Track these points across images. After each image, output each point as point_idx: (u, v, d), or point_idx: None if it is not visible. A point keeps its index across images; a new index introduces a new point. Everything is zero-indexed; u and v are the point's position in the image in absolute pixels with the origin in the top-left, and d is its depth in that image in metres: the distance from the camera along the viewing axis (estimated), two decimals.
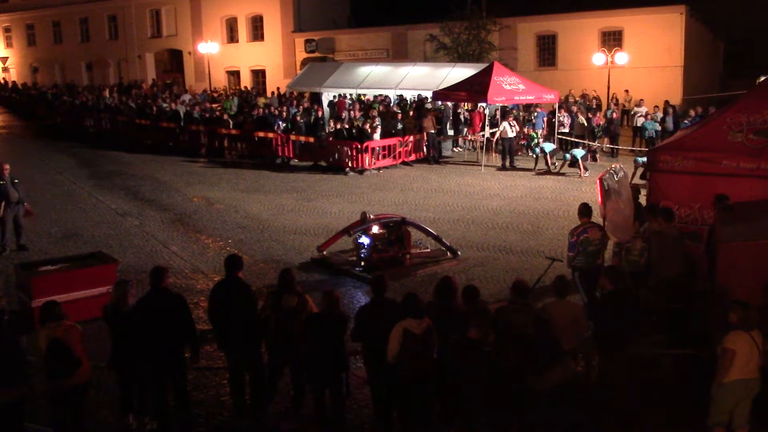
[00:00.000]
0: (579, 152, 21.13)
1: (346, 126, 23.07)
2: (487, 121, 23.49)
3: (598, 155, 23.57)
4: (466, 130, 26.15)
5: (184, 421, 7.51)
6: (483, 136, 23.19)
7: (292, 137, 23.41)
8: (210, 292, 7.90)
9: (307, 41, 43.07)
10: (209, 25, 46.11)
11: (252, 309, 7.64)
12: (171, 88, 42.35)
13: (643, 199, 11.18)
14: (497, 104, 24.07)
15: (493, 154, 23.14)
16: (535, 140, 22.53)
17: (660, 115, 24.52)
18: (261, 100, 32.78)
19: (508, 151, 22.38)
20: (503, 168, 22.28)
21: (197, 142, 26.46)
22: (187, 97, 34.69)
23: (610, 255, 10.27)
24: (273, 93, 36.81)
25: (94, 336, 8.14)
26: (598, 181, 9.96)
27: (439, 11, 35.09)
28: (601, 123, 24.49)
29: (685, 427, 7.29)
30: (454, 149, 26.09)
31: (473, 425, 6.63)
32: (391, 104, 27.89)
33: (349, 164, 21.74)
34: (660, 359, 8.69)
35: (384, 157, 22.34)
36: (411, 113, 25.46)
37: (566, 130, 24.02)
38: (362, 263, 12.33)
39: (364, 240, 12.36)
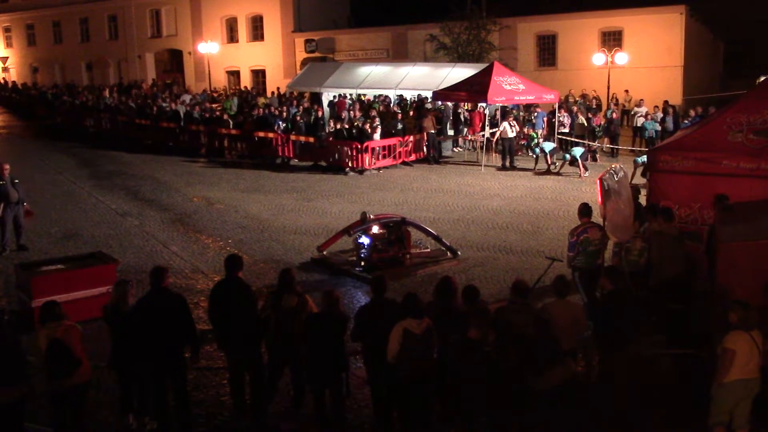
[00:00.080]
0: (578, 150, 21.14)
1: (346, 126, 23.07)
2: (487, 121, 23.49)
3: (598, 155, 23.59)
4: (466, 130, 26.16)
5: (184, 421, 7.51)
6: (483, 136, 23.19)
7: (292, 137, 23.41)
8: (210, 292, 7.90)
9: (307, 41, 43.07)
10: (209, 25, 46.11)
11: (252, 309, 7.63)
12: (171, 88, 42.36)
13: (643, 199, 11.19)
14: (497, 104, 24.07)
15: (493, 154, 23.14)
16: (535, 140, 22.53)
17: (660, 115, 24.52)
18: (261, 100, 32.78)
19: (508, 151, 22.38)
20: (503, 168, 22.28)
21: (197, 142, 26.46)
22: (187, 97, 34.70)
23: (610, 255, 10.27)
24: (273, 93, 36.82)
25: (94, 336, 8.14)
26: (598, 181, 9.95)
27: (439, 11, 35.10)
28: (601, 123, 24.50)
29: (685, 427, 7.29)
30: (454, 149, 26.09)
31: (473, 425, 6.63)
32: (391, 104, 27.90)
33: (349, 164, 21.74)
34: (660, 359, 8.70)
35: (384, 157, 22.34)
36: (411, 113, 25.48)
37: (566, 130, 24.01)
38: (362, 263, 12.33)
39: (364, 240, 12.36)
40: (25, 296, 10.09)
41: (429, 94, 26.23)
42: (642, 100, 26.99)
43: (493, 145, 23.24)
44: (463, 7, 35.49)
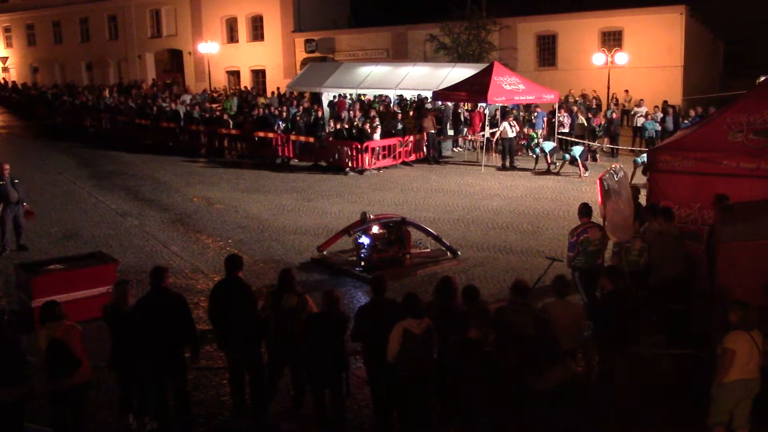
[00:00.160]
0: (578, 149, 21.14)
1: (346, 126, 23.08)
2: (487, 121, 23.49)
3: (598, 155, 23.59)
4: (466, 130, 26.16)
5: (184, 421, 7.51)
6: (483, 136, 23.19)
7: (292, 137, 23.41)
8: (210, 292, 7.90)
9: (307, 41, 43.07)
10: (209, 25, 46.11)
11: (252, 309, 7.63)
12: (171, 88, 42.36)
13: (643, 199, 11.19)
14: (497, 104, 24.07)
15: (493, 154, 23.14)
16: (535, 140, 22.53)
17: (660, 115, 24.52)
18: (261, 100, 32.78)
19: (508, 151, 22.38)
20: (503, 168, 22.28)
21: (197, 142, 26.46)
22: (187, 97, 34.70)
23: (610, 255, 10.27)
24: (273, 93, 36.82)
25: (94, 336, 8.14)
26: (598, 181, 9.95)
27: (439, 11, 35.09)
28: (601, 123, 24.49)
29: (685, 427, 7.29)
30: (454, 149, 26.09)
31: (473, 425, 6.63)
32: (391, 104, 27.90)
33: (349, 164, 21.74)
34: (660, 359, 8.70)
35: (384, 157, 22.34)
36: (411, 113, 25.48)
37: (566, 130, 24.01)
38: (362, 263, 12.33)
39: (364, 240, 12.36)
40: (25, 296, 10.09)
41: (429, 94, 26.22)
42: (642, 100, 26.99)
43: (493, 145, 23.24)
44: (463, 7, 35.49)
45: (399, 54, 39.45)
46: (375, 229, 12.52)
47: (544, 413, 6.73)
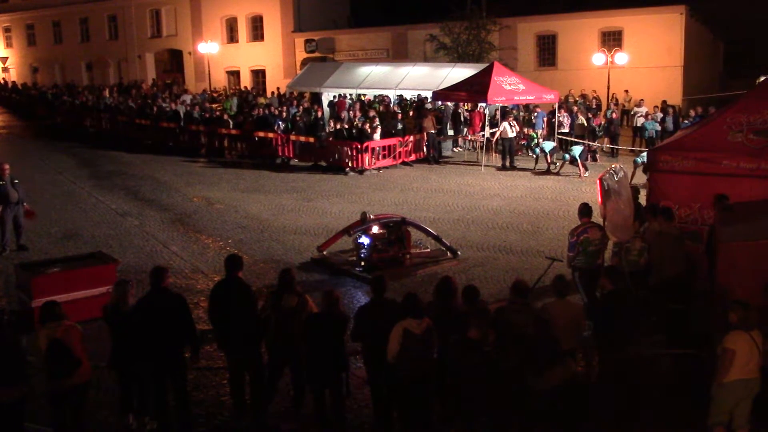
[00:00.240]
0: (577, 149, 21.14)
1: (346, 126, 23.08)
2: (487, 121, 23.49)
3: (598, 155, 23.59)
4: (466, 130, 26.15)
5: (184, 421, 7.51)
6: (483, 136, 23.19)
7: (292, 137, 23.41)
8: (210, 292, 7.90)
9: (307, 41, 43.07)
10: (209, 25, 46.12)
11: (252, 309, 7.63)
12: (171, 88, 42.35)
13: (643, 199, 11.19)
14: (497, 104, 24.07)
15: (493, 154, 23.14)
16: (535, 140, 22.53)
17: (660, 115, 24.52)
18: (261, 100, 32.78)
19: (508, 151, 22.38)
20: (503, 168, 22.28)
21: (197, 142, 26.46)
22: (187, 98, 34.70)
23: (610, 255, 10.27)
24: (273, 93, 36.82)
25: (94, 336, 8.14)
26: (598, 181, 9.96)
27: (439, 11, 35.10)
28: (601, 123, 24.49)
29: (685, 427, 7.29)
30: (454, 149, 26.09)
31: (473, 425, 6.62)
32: (391, 104, 27.89)
33: (349, 164, 21.74)
34: (660, 359, 8.69)
35: (384, 157, 22.34)
36: (411, 113, 25.48)
37: (566, 130, 24.00)
38: (362, 263, 12.33)
39: (364, 240, 12.36)
40: (25, 296, 10.09)
41: (429, 94, 26.22)
42: (642, 100, 27.00)
43: (493, 145, 23.24)
44: (463, 7, 35.50)
45: (399, 54, 39.46)
46: (375, 229, 12.52)
47: (544, 413, 6.73)
